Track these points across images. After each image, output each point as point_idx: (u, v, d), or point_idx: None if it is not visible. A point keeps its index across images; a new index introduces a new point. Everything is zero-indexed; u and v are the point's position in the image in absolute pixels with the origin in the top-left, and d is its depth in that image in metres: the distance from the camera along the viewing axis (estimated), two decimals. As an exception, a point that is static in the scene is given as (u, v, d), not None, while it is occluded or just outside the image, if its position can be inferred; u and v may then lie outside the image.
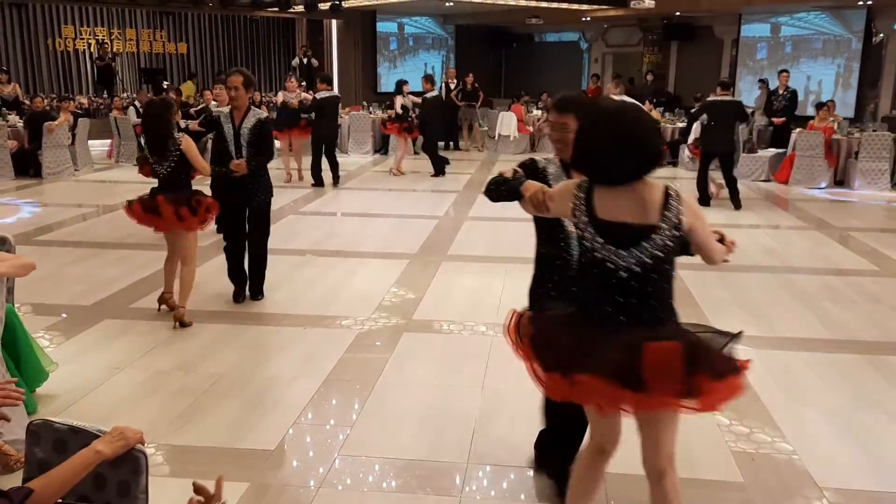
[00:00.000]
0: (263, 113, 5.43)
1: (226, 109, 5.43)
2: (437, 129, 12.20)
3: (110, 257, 6.87)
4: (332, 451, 3.53)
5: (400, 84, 12.55)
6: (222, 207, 5.29)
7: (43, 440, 1.97)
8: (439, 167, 12.05)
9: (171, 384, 4.23)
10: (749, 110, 11.20)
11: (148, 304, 5.51)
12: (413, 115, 12.36)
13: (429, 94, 12.13)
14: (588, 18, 17.74)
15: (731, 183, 9.42)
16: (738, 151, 10.32)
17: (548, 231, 2.88)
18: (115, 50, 17.78)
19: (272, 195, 5.59)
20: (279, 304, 5.60)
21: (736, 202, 9.31)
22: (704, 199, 9.32)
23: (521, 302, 5.86)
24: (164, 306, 5.33)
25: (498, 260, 6.99)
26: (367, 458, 3.48)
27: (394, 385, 4.26)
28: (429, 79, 12.33)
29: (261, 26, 19.51)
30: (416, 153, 13.83)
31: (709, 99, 9.97)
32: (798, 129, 11.71)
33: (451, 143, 15.64)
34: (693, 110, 10.58)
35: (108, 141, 13.66)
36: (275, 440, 3.61)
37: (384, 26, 19.41)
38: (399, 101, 12.24)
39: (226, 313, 5.40)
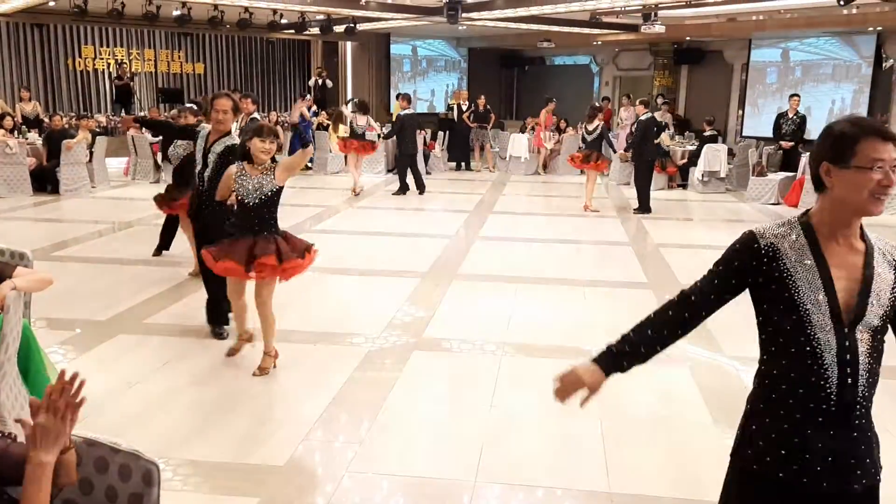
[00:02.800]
0: (236, 140, 5.10)
1: (209, 127, 5.34)
2: (409, 147, 12.18)
3: (126, 274, 6.97)
4: (341, 467, 3.56)
5: (361, 103, 12.63)
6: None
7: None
8: (403, 187, 12.04)
9: (184, 399, 4.29)
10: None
11: (163, 320, 5.58)
12: (382, 134, 12.57)
13: (403, 112, 12.24)
14: (599, 42, 17.88)
15: None
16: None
17: None
18: (133, 70, 18.06)
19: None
20: (290, 320, 5.65)
21: None
22: None
23: (531, 320, 5.90)
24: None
25: (508, 279, 7.04)
26: (376, 475, 3.51)
27: (403, 403, 4.30)
28: (406, 97, 12.47)
29: (277, 48, 19.78)
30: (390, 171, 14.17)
31: None
32: (808, 153, 11.72)
33: (464, 164, 15.75)
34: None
35: (125, 159, 13.85)
36: (284, 456, 3.65)
37: (398, 48, 19.63)
38: (358, 118, 12.35)
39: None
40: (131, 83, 17.43)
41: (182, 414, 4.10)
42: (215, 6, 12.94)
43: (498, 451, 3.76)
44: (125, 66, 17.75)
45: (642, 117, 10.98)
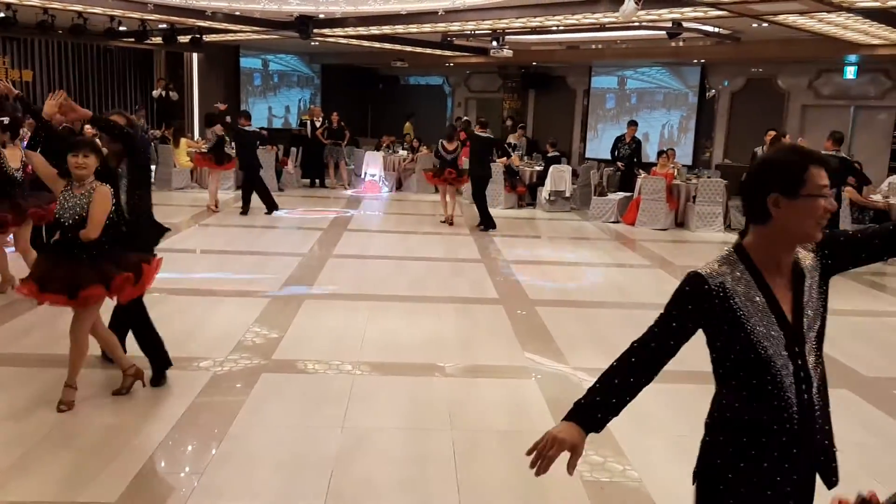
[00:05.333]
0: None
1: None
2: (250, 164, 11.76)
3: None
4: (182, 499, 3.35)
5: (211, 116, 12.28)
6: None
7: None
8: (245, 208, 11.61)
9: (2, 433, 3.89)
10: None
11: (-23, 349, 5.04)
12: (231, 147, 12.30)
13: (246, 129, 11.86)
14: (451, 64, 18.31)
15: None
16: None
17: None
18: (-53, 74, 16.43)
19: None
20: (129, 344, 5.28)
21: None
22: None
23: (386, 338, 5.88)
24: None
25: (361, 297, 6.98)
26: (220, 505, 3.34)
27: (250, 428, 4.13)
28: (245, 115, 12.23)
29: (116, 56, 18.66)
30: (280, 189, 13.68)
31: None
32: (643, 175, 12.56)
33: (318, 181, 15.54)
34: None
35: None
36: (116, 491, 3.38)
37: (248, 62, 19.13)
38: (209, 133, 12.00)
39: (64, 357, 5.04)
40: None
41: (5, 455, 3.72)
42: (45, 10, 12.02)
43: (349, 473, 3.68)
44: (-62, 69, 16.12)
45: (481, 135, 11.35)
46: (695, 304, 1.90)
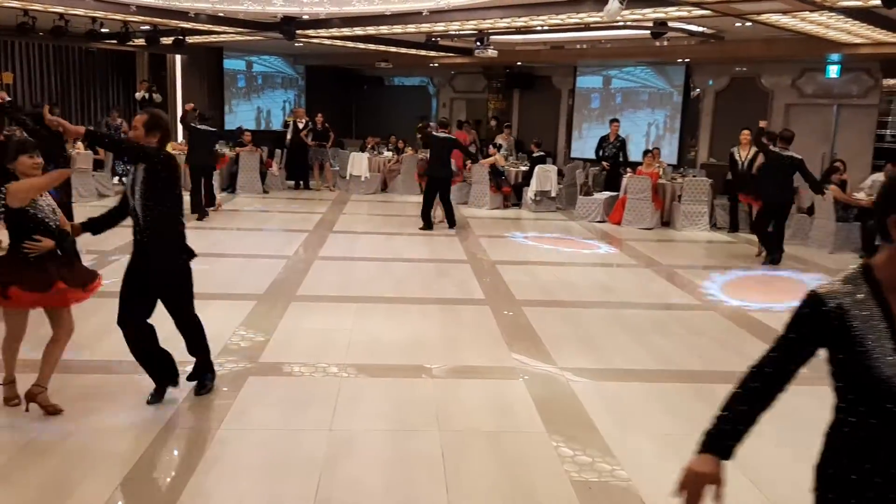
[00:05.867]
0: None
1: None
2: (204, 165, 11.61)
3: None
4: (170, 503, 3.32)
5: (182, 118, 12.22)
6: None
7: None
8: (198, 207, 11.26)
9: (-17, 442, 3.84)
10: None
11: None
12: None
13: (200, 128, 11.77)
14: (436, 64, 18.28)
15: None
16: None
17: None
18: (-74, 76, 16.22)
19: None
20: (112, 350, 5.20)
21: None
22: None
23: (372, 340, 5.85)
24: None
25: (348, 299, 6.96)
26: (207, 510, 3.31)
27: (236, 432, 4.10)
28: (201, 115, 12.22)
29: (98, 58, 18.49)
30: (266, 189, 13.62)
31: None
32: (628, 174, 12.60)
33: (302, 183, 15.47)
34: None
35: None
36: (101, 499, 3.35)
37: (231, 63, 19.02)
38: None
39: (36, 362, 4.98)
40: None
41: (-19, 459, 3.66)
42: (25, 11, 11.88)
43: (337, 475, 3.66)
44: (-83, 72, 15.92)
45: (438, 134, 11.45)
46: (812, 327, 1.89)
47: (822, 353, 1.93)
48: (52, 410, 4.12)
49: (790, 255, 9.79)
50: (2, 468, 3.58)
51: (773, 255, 9.46)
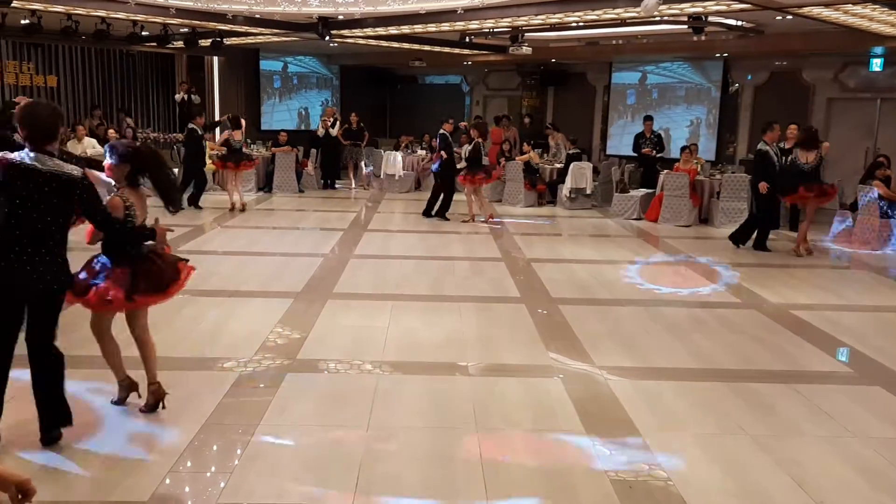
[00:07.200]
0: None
1: None
2: (194, 166, 12.28)
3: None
4: (212, 499, 3.38)
5: (234, 118, 12.45)
6: None
7: None
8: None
9: (32, 434, 3.94)
10: None
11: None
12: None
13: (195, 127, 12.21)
14: (469, 63, 18.27)
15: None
16: None
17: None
18: (-25, 81, 16.69)
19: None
20: (157, 346, 5.33)
21: None
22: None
23: (408, 338, 5.89)
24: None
25: (383, 297, 7.00)
26: (249, 504, 3.36)
27: (276, 427, 4.15)
28: (199, 113, 12.64)
29: (138, 61, 18.84)
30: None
31: None
32: (665, 171, 12.47)
33: (329, 181, 15.57)
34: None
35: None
36: (148, 491, 3.42)
37: (268, 64, 19.22)
38: (235, 134, 12.10)
39: (96, 357, 5.09)
40: (-27, 96, 16.09)
41: (30, 451, 3.76)
42: (69, 16, 12.16)
43: (376, 472, 3.69)
44: (-34, 77, 16.38)
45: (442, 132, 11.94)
46: None
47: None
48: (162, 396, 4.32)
49: (831, 252, 9.60)
50: (54, 459, 3.67)
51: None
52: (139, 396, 4.36)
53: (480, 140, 11.79)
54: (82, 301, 4.09)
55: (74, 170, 3.72)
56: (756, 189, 9.70)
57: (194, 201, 12.10)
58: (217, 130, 13.19)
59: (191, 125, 12.29)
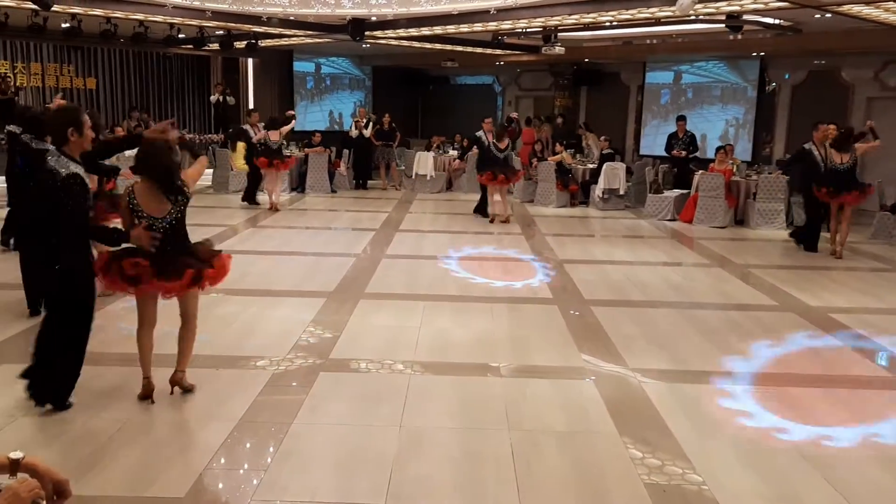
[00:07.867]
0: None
1: None
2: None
3: (5, 299, 6.51)
4: (246, 496, 3.42)
5: (272, 120, 12.63)
6: None
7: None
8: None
9: (73, 430, 4.02)
10: None
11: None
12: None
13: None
14: (502, 63, 18.22)
15: None
16: None
17: None
18: (18, 84, 17.09)
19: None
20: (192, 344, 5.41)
21: None
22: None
23: (440, 338, 5.88)
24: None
25: (415, 298, 7.01)
26: (282, 502, 3.39)
27: (309, 426, 4.18)
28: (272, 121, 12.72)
29: (174, 63, 19.16)
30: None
31: None
32: (700, 172, 12.31)
33: (361, 181, 15.66)
34: None
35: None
36: (185, 487, 3.47)
37: (301, 66, 19.39)
38: (271, 134, 12.21)
39: (132, 355, 5.18)
40: (16, 98, 16.47)
41: (70, 446, 3.85)
42: (108, 19, 12.40)
43: (408, 471, 3.70)
44: (9, 79, 16.76)
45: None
46: None
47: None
48: (189, 389, 4.55)
49: (872, 254, 9.40)
50: (91, 455, 3.75)
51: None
52: (152, 402, 4.40)
53: (493, 140, 11.80)
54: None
55: (64, 168, 4.00)
56: (802, 187, 9.75)
57: (248, 198, 12.65)
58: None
59: (244, 126, 12.56)
